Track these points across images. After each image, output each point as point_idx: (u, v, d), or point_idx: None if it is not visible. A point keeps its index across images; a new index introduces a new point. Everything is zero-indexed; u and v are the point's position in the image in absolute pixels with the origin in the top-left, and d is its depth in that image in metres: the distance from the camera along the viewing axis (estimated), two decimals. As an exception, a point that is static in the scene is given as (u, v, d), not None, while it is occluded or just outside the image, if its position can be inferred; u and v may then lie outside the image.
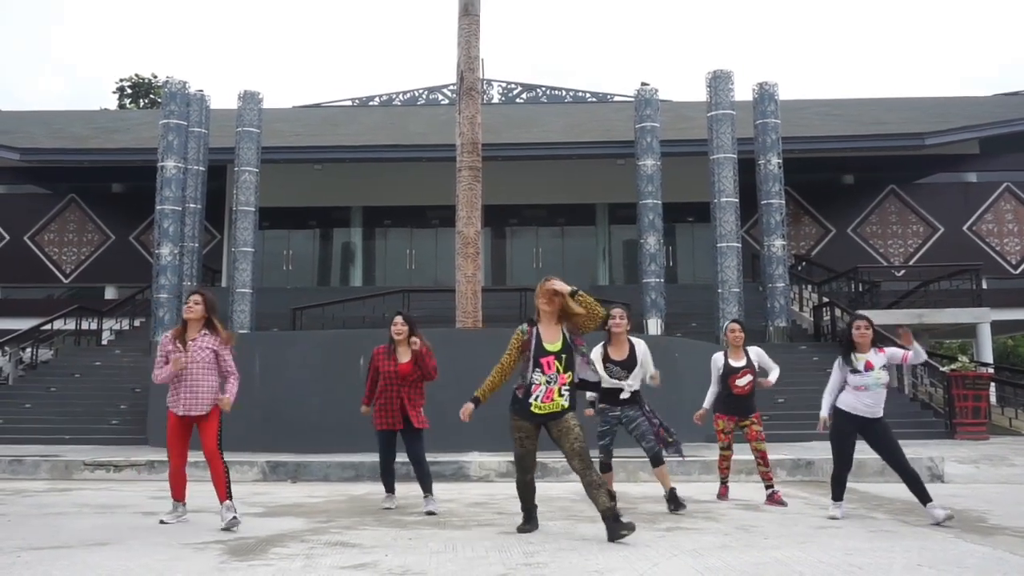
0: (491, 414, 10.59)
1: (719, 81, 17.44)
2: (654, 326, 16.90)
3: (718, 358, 7.10)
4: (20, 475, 9.45)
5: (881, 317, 17.58)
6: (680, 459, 6.88)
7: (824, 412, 6.18)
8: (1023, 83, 77.86)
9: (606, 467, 6.41)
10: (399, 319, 6.63)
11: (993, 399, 16.45)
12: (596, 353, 6.32)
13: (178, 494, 5.93)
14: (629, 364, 6.30)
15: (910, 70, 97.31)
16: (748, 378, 6.95)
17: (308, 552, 4.76)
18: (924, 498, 5.86)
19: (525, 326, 5.31)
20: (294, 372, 11.18)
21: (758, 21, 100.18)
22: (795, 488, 8.11)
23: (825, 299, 18.77)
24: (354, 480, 8.99)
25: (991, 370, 17.78)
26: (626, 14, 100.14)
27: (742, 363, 6.98)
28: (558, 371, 5.15)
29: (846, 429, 6.02)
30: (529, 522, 5.46)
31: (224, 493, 5.71)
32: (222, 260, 22.61)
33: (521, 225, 23.94)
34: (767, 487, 7.02)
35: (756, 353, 7.15)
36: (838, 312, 17.58)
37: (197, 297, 5.94)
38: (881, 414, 5.97)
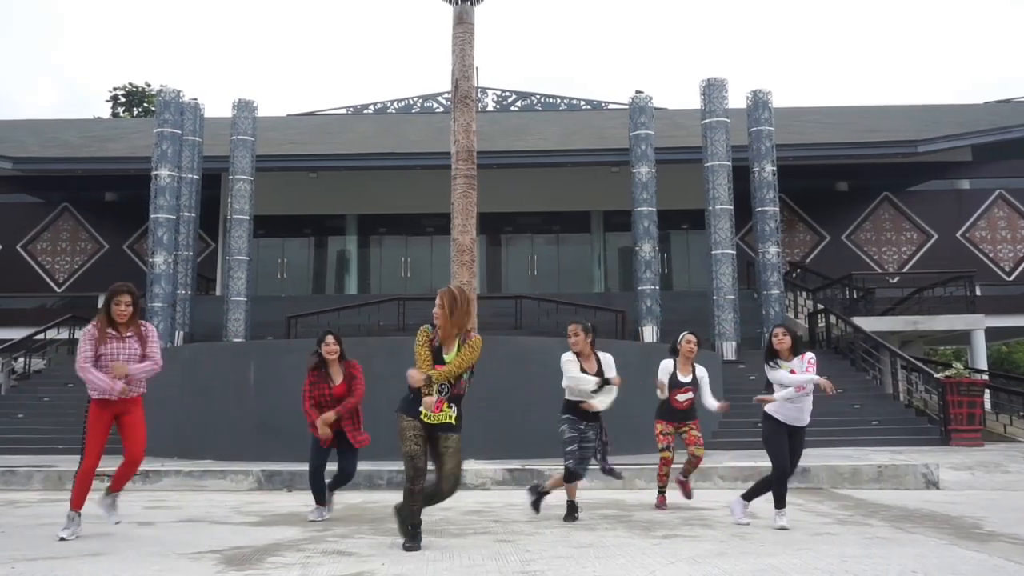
0: (486, 422, 10.59)
1: (713, 89, 17.51)
2: (650, 333, 16.92)
3: (668, 365, 7.12)
4: (13, 486, 9.40)
5: (876, 324, 17.65)
6: (619, 480, 7.07)
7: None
8: (1014, 91, 78.26)
9: (574, 476, 6.26)
10: (331, 338, 6.57)
11: (988, 406, 16.49)
12: (570, 358, 6.26)
13: (81, 502, 5.55)
14: (599, 376, 6.28)
15: (902, 78, 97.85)
16: (689, 395, 7.07)
17: (304, 561, 4.75)
18: (781, 503, 6.01)
19: (430, 327, 5.24)
20: (289, 381, 11.09)
21: (752, 29, 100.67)
22: (790, 495, 8.08)
23: (820, 306, 18.81)
24: (350, 489, 8.94)
25: (985, 377, 17.82)
26: (621, 22, 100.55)
27: (688, 379, 7.10)
28: (449, 383, 5.10)
29: (777, 432, 6.04)
30: (415, 539, 5.11)
31: (120, 486, 5.86)
32: (217, 268, 22.56)
33: (516, 233, 23.95)
34: (683, 475, 7.22)
35: (702, 372, 7.22)
36: (833, 319, 17.62)
37: (128, 299, 5.65)
38: (806, 422, 6.07)
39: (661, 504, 7.10)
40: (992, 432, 14.79)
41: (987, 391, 16.36)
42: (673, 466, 7.20)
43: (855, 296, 19.29)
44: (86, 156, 22.28)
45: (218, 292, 21.57)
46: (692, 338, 7.18)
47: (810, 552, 4.94)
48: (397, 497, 7.00)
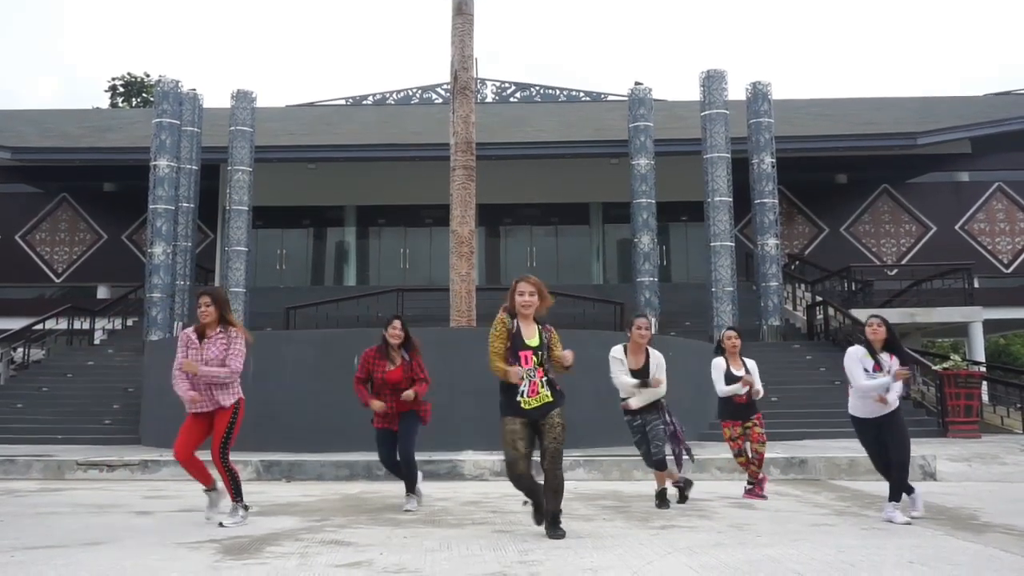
0: (484, 413, 10.60)
1: (713, 81, 17.48)
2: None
3: (720, 363, 7.21)
4: (12, 475, 9.42)
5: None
6: (692, 462, 7.19)
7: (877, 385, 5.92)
8: (1014, 84, 78.16)
9: (660, 465, 6.46)
10: (398, 323, 6.51)
11: (985, 397, 16.51)
12: (618, 351, 6.44)
13: (206, 481, 5.89)
14: (643, 374, 6.40)
15: (902, 70, 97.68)
16: (745, 376, 7.11)
17: (303, 551, 4.77)
18: (894, 495, 5.84)
19: (508, 316, 5.26)
20: (288, 371, 11.17)
21: (752, 20, 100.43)
22: (788, 486, 8.14)
23: (818, 298, 18.82)
24: (348, 479, 8.99)
25: (983, 369, 17.84)
26: (620, 13, 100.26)
27: (741, 372, 7.16)
28: (536, 365, 5.19)
29: (866, 433, 6.04)
30: (537, 514, 5.24)
31: (231, 495, 5.81)
32: (215, 259, 22.54)
33: (515, 224, 23.93)
34: (749, 482, 7.26)
35: (752, 364, 7.36)
36: (831, 311, 17.63)
37: (207, 299, 5.80)
38: (894, 407, 5.89)
39: (758, 494, 7.12)
40: (989, 424, 14.83)
41: (984, 383, 16.38)
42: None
43: (853, 288, 19.29)
44: (85, 146, 22.23)
45: (217, 283, 21.54)
46: (732, 333, 7.32)
47: (807, 543, 4.96)
48: (395, 488, 7.04)
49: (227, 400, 5.79)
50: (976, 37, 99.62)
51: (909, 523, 5.67)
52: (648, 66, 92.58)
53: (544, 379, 5.19)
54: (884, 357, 5.98)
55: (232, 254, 17.83)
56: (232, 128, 18.26)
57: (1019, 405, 15.53)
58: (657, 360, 6.46)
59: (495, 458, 9.08)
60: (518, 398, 5.13)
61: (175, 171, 18.11)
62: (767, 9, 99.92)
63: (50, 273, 23.37)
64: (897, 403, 5.95)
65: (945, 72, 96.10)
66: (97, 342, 19.10)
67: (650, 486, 7.63)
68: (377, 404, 6.38)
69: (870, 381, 5.90)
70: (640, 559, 4.46)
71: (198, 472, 5.88)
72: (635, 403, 6.40)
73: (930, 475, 8.79)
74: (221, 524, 5.60)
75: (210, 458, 5.79)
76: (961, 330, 21.03)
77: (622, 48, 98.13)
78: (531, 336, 5.24)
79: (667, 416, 6.51)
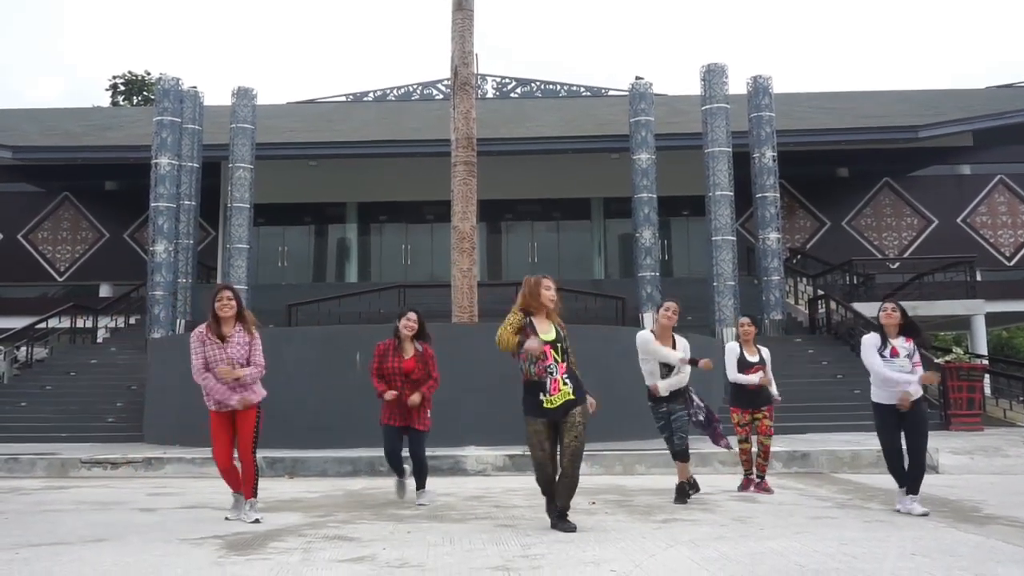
0: (486, 409, 10.62)
1: (713, 75, 17.45)
2: (650, 320, 16.91)
3: (734, 347, 7.24)
4: (17, 473, 9.45)
5: (876, 310, 17.58)
6: (728, 450, 7.04)
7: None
8: (1015, 76, 77.95)
9: (681, 455, 6.38)
10: (413, 315, 6.56)
11: (987, 390, 16.50)
12: (647, 335, 6.42)
13: (236, 486, 5.85)
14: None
15: (903, 63, 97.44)
16: (761, 374, 7.13)
17: (306, 546, 4.78)
18: (913, 488, 5.92)
19: (521, 314, 5.31)
20: (290, 368, 11.17)
21: (753, 14, 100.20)
22: (790, 480, 8.15)
23: (820, 292, 18.81)
24: (351, 475, 9.01)
25: (985, 362, 17.82)
26: (620, 8, 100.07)
27: (755, 359, 7.20)
28: (556, 360, 5.19)
29: (887, 421, 5.97)
30: (562, 519, 5.21)
31: (250, 491, 5.81)
32: (217, 257, 22.55)
33: (516, 220, 23.92)
34: (759, 476, 7.25)
35: (767, 353, 7.40)
36: (833, 305, 17.62)
37: (229, 293, 5.75)
38: (917, 396, 5.89)
39: (746, 486, 7.18)
40: (992, 417, 14.83)
41: (987, 376, 16.38)
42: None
43: (855, 282, 19.28)
44: (86, 145, 22.24)
45: (219, 280, 21.55)
46: (746, 320, 7.38)
47: (810, 535, 4.97)
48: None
49: (255, 397, 5.79)
50: (978, 30, 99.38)
51: (926, 513, 5.68)
52: (649, 61, 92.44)
53: (566, 375, 5.19)
54: (901, 341, 5.96)
55: (234, 251, 17.85)
56: (233, 125, 18.26)
57: (1022, 398, 15.54)
58: (683, 344, 6.46)
59: (497, 453, 9.10)
60: (541, 397, 5.14)
61: (176, 169, 18.13)
62: (768, 3, 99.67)
63: (52, 272, 23.38)
64: (920, 392, 5.93)
65: (946, 65, 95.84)
66: (100, 340, 19.13)
67: (652, 480, 7.66)
68: (391, 394, 6.37)
69: (892, 373, 5.85)
70: (642, 552, 4.47)
71: (235, 478, 5.85)
72: (663, 388, 6.31)
73: (932, 468, 8.78)
74: (257, 520, 5.65)
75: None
76: (963, 323, 20.99)
77: (622, 43, 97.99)
78: (547, 331, 5.26)
79: (694, 405, 6.45)
